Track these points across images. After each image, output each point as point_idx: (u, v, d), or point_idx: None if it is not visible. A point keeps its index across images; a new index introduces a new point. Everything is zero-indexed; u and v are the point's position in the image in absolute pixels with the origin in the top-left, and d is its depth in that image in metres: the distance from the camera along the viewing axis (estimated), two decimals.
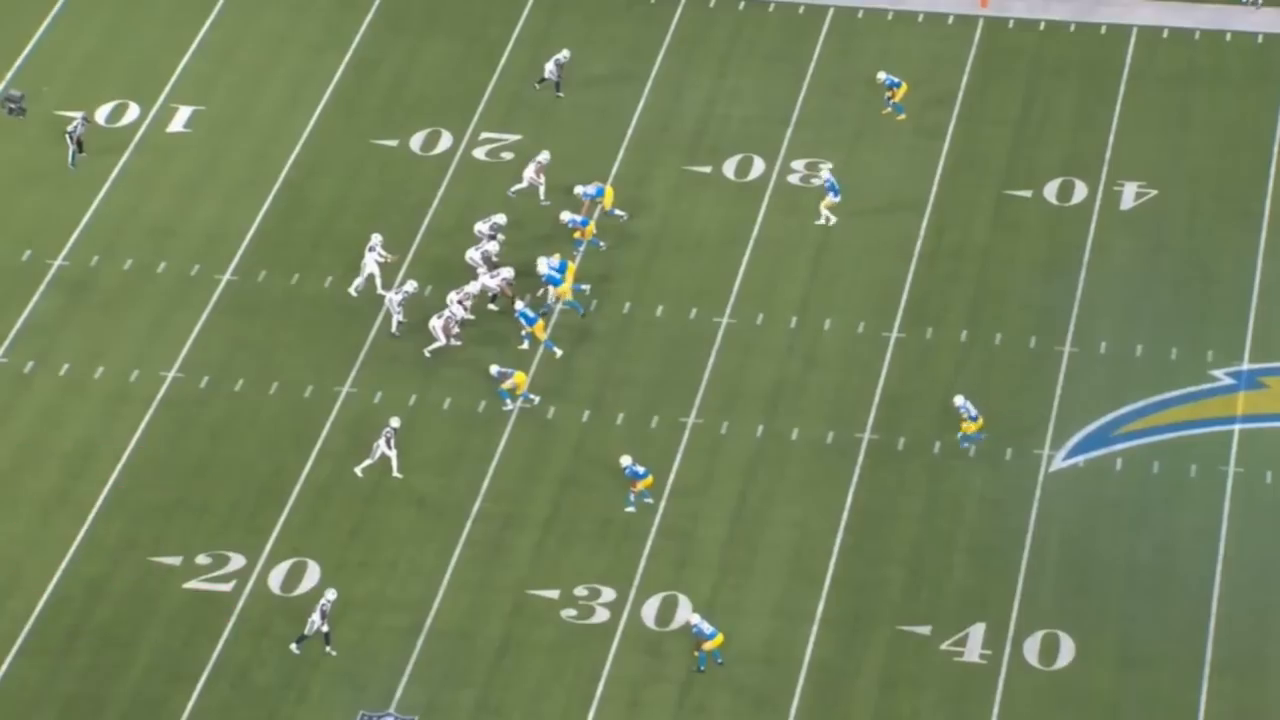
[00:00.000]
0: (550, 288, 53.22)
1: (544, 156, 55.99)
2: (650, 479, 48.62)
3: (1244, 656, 45.87)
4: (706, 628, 45.44)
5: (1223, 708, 45.01)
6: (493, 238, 53.92)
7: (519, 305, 52.07)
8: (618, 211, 55.45)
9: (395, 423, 49.41)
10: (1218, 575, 47.33)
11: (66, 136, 57.21)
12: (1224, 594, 46.94)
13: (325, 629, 45.81)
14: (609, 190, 55.42)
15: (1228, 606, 46.70)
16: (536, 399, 51.22)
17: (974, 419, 49.50)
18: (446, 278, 54.08)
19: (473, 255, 53.69)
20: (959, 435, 49.73)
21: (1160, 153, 57.53)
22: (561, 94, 58.83)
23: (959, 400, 49.60)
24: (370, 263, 53.64)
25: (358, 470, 49.25)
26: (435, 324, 52.13)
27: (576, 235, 54.64)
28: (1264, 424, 50.67)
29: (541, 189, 55.83)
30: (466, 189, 56.99)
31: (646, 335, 53.08)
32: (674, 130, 58.59)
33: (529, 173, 55.95)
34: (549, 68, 58.82)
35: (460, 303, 52.63)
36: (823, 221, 55.26)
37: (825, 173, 55.71)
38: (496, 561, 48.17)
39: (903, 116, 58.00)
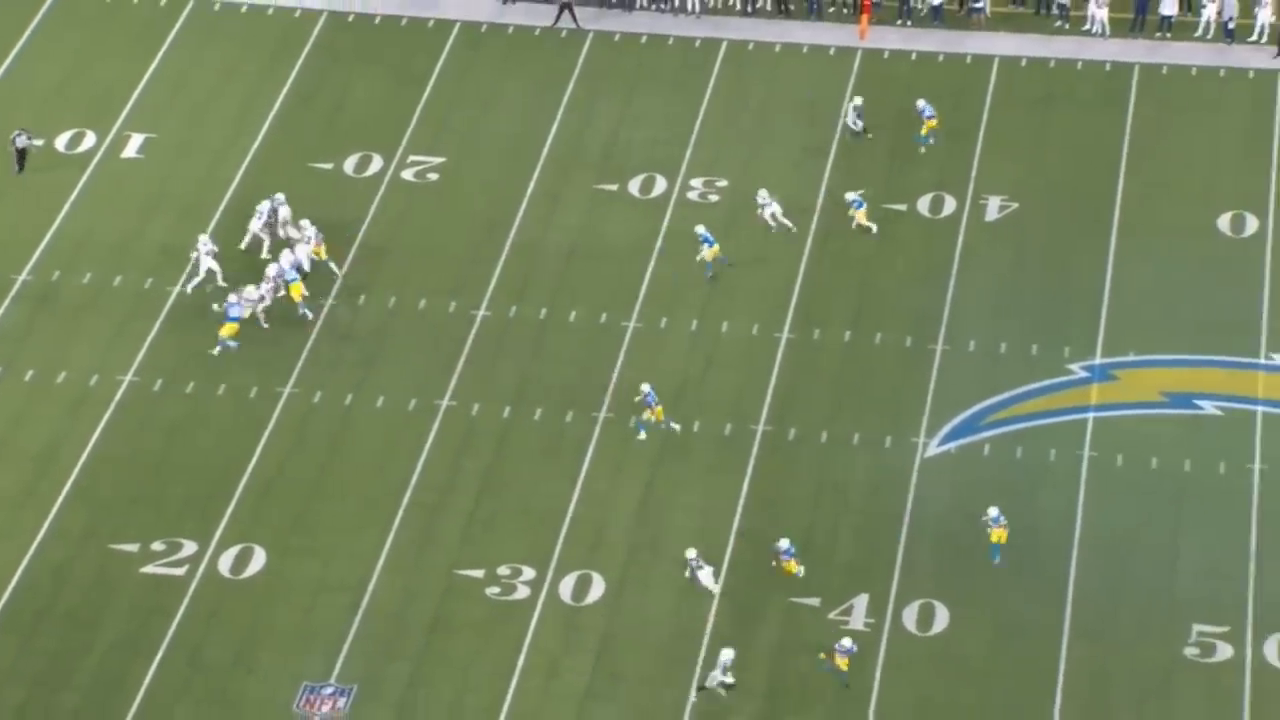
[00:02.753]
0: (704, 247, 53.77)
1: (763, 195, 55.10)
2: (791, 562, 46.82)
3: (1098, 624, 46.16)
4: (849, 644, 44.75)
5: (1080, 670, 45.31)
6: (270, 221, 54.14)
7: (645, 388, 49.99)
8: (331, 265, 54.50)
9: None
10: (1075, 550, 47.62)
11: (15, 156, 56.82)
12: (1080, 567, 47.26)
13: (729, 681, 44.40)
14: (323, 245, 54.32)
15: (1084, 578, 47.02)
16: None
17: (1003, 526, 46.61)
18: (376, 287, 53.98)
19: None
20: (992, 545, 46.78)
21: (1021, 169, 57.85)
22: (870, 135, 57.92)
23: (993, 511, 46.79)
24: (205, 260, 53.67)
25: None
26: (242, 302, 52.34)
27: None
28: (1115, 412, 51.02)
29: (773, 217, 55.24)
30: (396, 207, 56.86)
31: (561, 338, 53.07)
32: (584, 152, 58.57)
33: (765, 211, 55.04)
34: (851, 117, 57.85)
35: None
36: (857, 229, 54.98)
37: (851, 194, 55.32)
38: (427, 546, 48.07)
39: (922, 149, 57.55)
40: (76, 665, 45.46)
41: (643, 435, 50.08)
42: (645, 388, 50.11)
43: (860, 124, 58.20)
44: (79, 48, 62.15)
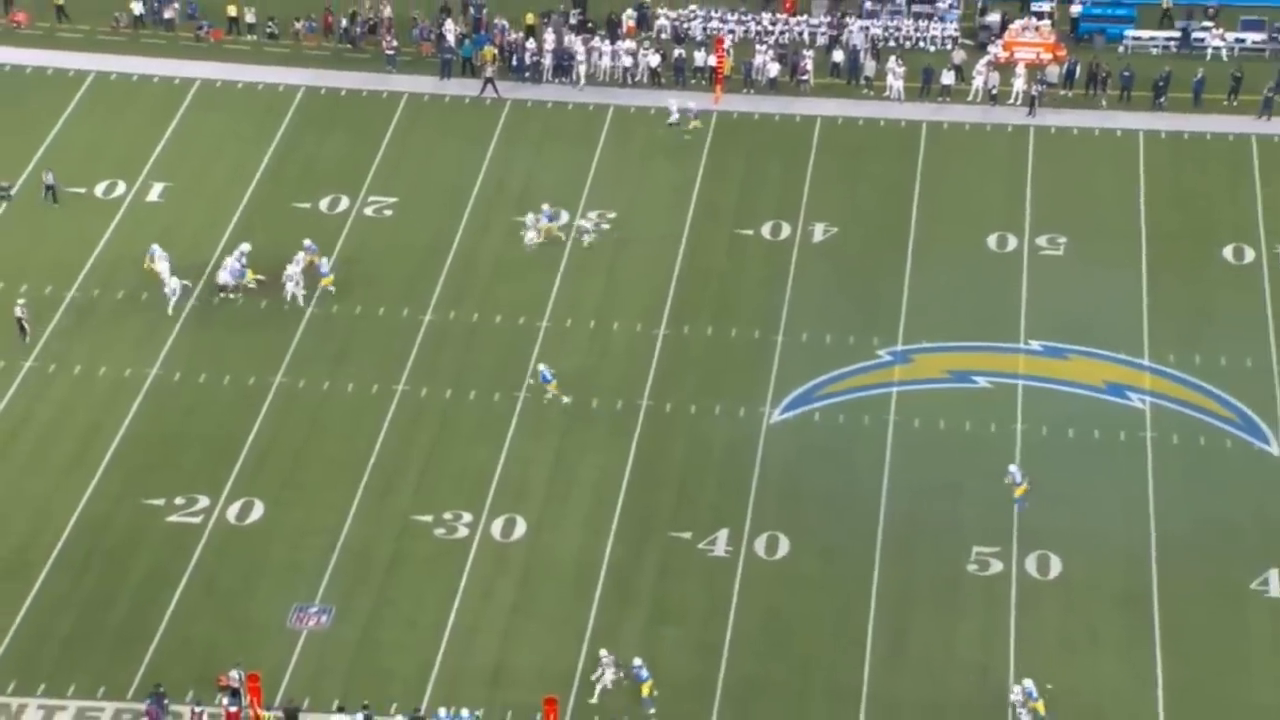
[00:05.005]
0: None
1: (532, 218, 55.41)
2: None
3: (902, 547, 46.72)
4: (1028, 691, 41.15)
5: (888, 583, 45.84)
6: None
7: (540, 367, 49.62)
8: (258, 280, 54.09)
9: None
10: (884, 491, 48.12)
11: (45, 190, 56.23)
12: (888, 504, 47.76)
13: None
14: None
15: (891, 512, 47.51)
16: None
17: (1019, 483, 45.14)
18: (346, 298, 53.68)
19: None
20: (1017, 498, 45.82)
21: (840, 202, 58.22)
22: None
23: (1011, 468, 46.11)
24: (167, 275, 53.31)
25: None
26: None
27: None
28: (913, 387, 51.52)
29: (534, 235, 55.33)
30: (360, 236, 56.59)
31: (489, 335, 53.02)
32: (505, 192, 58.49)
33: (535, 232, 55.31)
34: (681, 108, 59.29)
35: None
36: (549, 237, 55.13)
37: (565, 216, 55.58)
38: (387, 497, 47.98)
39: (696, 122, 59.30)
40: (117, 593, 45.26)
41: (556, 399, 49.78)
42: (540, 367, 49.98)
43: (679, 116, 59.32)
44: (111, 116, 61.41)
